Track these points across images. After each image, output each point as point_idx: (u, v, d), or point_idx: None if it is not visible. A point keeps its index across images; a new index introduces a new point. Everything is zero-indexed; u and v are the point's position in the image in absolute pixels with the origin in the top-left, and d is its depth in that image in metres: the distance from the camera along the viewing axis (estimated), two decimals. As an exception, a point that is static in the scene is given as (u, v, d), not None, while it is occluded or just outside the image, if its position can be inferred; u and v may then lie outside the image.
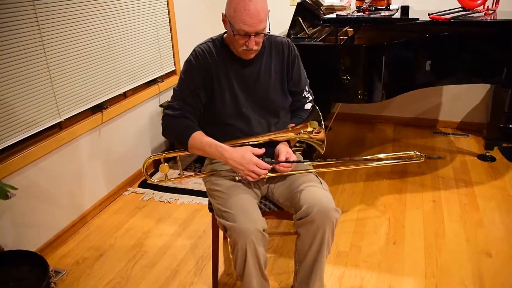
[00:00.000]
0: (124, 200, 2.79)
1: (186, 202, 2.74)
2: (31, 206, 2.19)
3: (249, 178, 1.53)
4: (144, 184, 2.96)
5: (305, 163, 1.73)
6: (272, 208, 1.74)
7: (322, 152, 1.63)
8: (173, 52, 3.31)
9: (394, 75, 2.27)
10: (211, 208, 1.74)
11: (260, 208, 1.73)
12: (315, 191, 1.54)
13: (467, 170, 2.97)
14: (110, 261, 2.24)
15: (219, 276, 2.06)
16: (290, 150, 1.63)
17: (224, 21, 1.55)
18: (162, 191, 2.86)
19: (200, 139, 1.56)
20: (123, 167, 2.88)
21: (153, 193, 2.85)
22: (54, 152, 2.31)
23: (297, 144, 1.69)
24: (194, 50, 1.63)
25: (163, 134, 1.64)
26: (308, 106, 1.80)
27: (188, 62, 1.63)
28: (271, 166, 1.56)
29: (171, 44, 3.28)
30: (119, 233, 2.47)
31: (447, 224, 2.38)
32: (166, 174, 1.68)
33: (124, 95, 2.86)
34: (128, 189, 2.91)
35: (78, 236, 2.46)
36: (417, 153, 1.78)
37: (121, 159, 2.85)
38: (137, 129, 2.99)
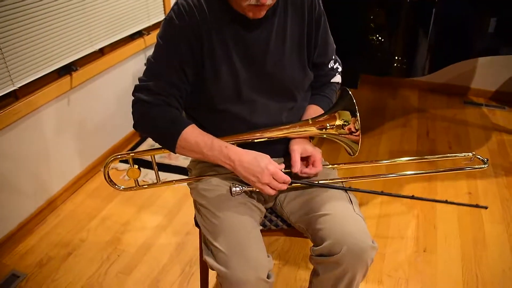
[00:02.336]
0: (101, 179, 2.36)
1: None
2: (-22, 197, 1.77)
3: (263, 191, 1.10)
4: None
5: (329, 169, 1.28)
6: (281, 225, 1.31)
7: (353, 155, 1.18)
8: (162, -2, 2.76)
9: (445, 39, 1.74)
10: (197, 223, 1.30)
11: (264, 225, 1.30)
12: (344, 218, 1.10)
13: (505, 152, 2.51)
14: (80, 262, 1.84)
15: (210, 290, 1.68)
16: (309, 147, 1.18)
17: None
18: (148, 168, 2.43)
19: (195, 138, 1.11)
20: (100, 140, 2.42)
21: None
22: (9, 129, 1.85)
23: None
24: (176, 3, 1.12)
25: (136, 128, 1.17)
26: (336, 79, 1.32)
27: (168, 22, 1.13)
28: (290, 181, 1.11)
29: (159, -12, 2.71)
30: (93, 223, 2.07)
31: (487, 226, 1.97)
32: (137, 180, 1.23)
33: (101, 52, 2.35)
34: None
35: (45, 226, 2.06)
36: (478, 156, 1.33)
37: (98, 130, 2.38)
38: (118, 93, 2.50)
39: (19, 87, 1.85)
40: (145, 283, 1.73)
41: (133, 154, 1.19)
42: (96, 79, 2.31)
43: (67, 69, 2.11)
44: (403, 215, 2.03)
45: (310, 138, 1.25)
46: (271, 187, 1.08)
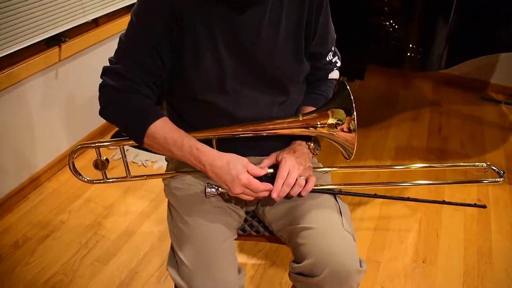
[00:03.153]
0: (90, 157, 2.23)
1: (165, 167, 2.19)
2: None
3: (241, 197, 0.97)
4: (119, 136, 2.40)
5: (321, 169, 1.13)
6: (262, 231, 1.18)
7: (348, 158, 1.03)
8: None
9: (467, 29, 1.54)
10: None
11: (244, 231, 1.17)
12: (329, 234, 0.96)
13: (523, 156, 2.34)
14: (57, 246, 1.75)
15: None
16: (301, 165, 1.00)
17: None
18: (140, 148, 2.31)
19: (165, 134, 0.96)
20: (90, 117, 2.29)
21: (126, 150, 2.30)
22: (-11, 100, 1.74)
23: (310, 143, 1.08)
24: None
25: (102, 116, 1.04)
26: (334, 74, 1.17)
27: None
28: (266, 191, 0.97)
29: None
30: (75, 205, 1.96)
31: (495, 237, 1.81)
32: (104, 172, 1.11)
33: (95, 23, 2.20)
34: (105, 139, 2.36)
35: (26, 204, 1.96)
36: (494, 168, 1.18)
37: (88, 107, 2.25)
38: (113, 67, 2.36)
39: (1, 57, 1.72)
40: (122, 274, 1.63)
41: (99, 144, 1.06)
42: (88, 52, 2.17)
43: (56, 40, 1.97)
44: (404, 219, 1.89)
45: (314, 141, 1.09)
46: (244, 197, 0.95)
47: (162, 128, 0.96)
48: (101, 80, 1.01)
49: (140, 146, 1.00)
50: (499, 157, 2.31)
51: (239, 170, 0.91)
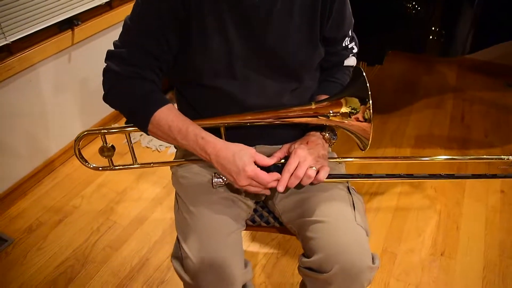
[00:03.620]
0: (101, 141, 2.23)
1: (179, 153, 2.17)
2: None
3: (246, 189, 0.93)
4: (133, 122, 2.38)
5: (334, 160, 1.08)
6: (272, 222, 1.14)
7: (363, 149, 0.97)
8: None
9: (495, 11, 1.44)
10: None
11: (253, 221, 1.13)
12: (340, 228, 0.91)
13: (551, 146, 2.23)
14: (69, 231, 1.75)
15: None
16: (312, 155, 0.95)
17: None
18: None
19: (170, 122, 0.92)
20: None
21: (140, 135, 2.28)
22: (1, 85, 1.73)
23: (325, 133, 1.02)
24: None
25: (106, 101, 1.00)
26: (350, 61, 1.11)
27: None
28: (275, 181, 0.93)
29: None
30: (88, 190, 1.96)
31: (519, 231, 1.74)
32: (111, 159, 1.08)
33: (109, 6, 2.16)
34: (113, 125, 2.35)
35: (40, 189, 1.97)
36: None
37: (101, 90, 2.22)
38: (126, 51, 2.33)
39: (13, 42, 1.71)
40: (133, 260, 1.62)
41: (105, 130, 1.03)
42: (102, 35, 2.14)
43: (69, 23, 1.95)
44: (423, 210, 1.83)
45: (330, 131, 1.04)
46: (251, 189, 0.90)
47: (167, 115, 0.92)
48: (105, 64, 0.97)
49: (144, 132, 0.96)
50: (525, 146, 2.20)
51: (246, 162, 0.87)
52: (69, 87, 2.05)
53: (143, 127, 0.94)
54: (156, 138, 0.96)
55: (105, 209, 1.85)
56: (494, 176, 1.06)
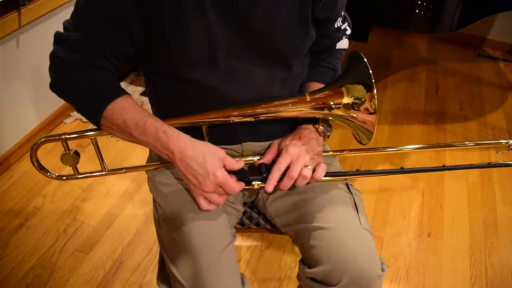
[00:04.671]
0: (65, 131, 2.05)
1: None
2: None
3: (201, 203, 0.82)
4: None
5: (329, 154, 0.98)
6: (263, 224, 1.04)
7: (364, 143, 0.88)
8: None
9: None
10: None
11: (242, 224, 1.04)
12: (346, 235, 0.83)
13: (524, 117, 2.24)
14: (33, 236, 1.59)
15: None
16: (308, 153, 0.85)
17: None
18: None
19: (124, 115, 0.78)
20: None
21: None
22: None
23: (318, 126, 0.92)
24: None
25: (52, 89, 0.85)
26: (343, 43, 1.00)
27: None
28: (256, 186, 0.83)
29: None
30: (50, 187, 1.79)
31: (500, 207, 1.73)
32: (76, 168, 0.94)
33: (59, -18, 1.94)
34: (71, 114, 2.16)
35: (-5, 189, 1.79)
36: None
37: (58, 77, 2.03)
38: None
39: None
40: (106, 264, 1.50)
41: (67, 136, 0.89)
42: (53, 15, 1.92)
43: (14, 3, 1.72)
44: (406, 190, 1.79)
45: (325, 124, 0.93)
46: (214, 201, 0.81)
47: (122, 108, 0.78)
48: (53, 48, 0.82)
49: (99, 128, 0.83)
50: (499, 118, 2.20)
51: (216, 165, 0.76)
52: (20, 75, 1.84)
53: (96, 122, 0.81)
54: (113, 135, 0.83)
55: (71, 208, 1.70)
56: (498, 165, 1.00)
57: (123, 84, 2.37)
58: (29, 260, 1.51)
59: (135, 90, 2.33)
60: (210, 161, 0.76)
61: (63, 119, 2.14)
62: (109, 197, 1.75)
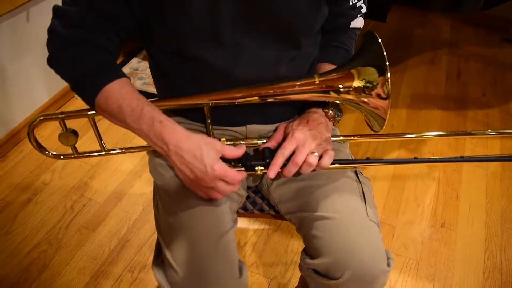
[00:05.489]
0: (74, 107, 2.02)
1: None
2: None
3: (201, 195, 0.79)
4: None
5: (338, 142, 0.93)
6: (267, 210, 1.00)
7: (376, 130, 0.83)
8: None
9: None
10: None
11: (245, 209, 1.00)
12: (351, 227, 0.78)
13: (550, 105, 2.13)
14: (40, 211, 1.59)
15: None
16: (315, 138, 0.80)
17: None
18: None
19: (119, 100, 0.74)
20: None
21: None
22: None
23: (328, 110, 0.86)
24: None
25: (50, 66, 0.81)
26: (358, 23, 0.93)
27: None
28: (259, 171, 0.79)
29: None
30: (59, 163, 1.79)
31: (521, 198, 1.66)
32: (74, 146, 0.91)
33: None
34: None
35: (6, 163, 1.79)
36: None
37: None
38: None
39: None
40: (111, 242, 1.49)
41: (64, 115, 0.85)
42: (64, -12, 1.88)
43: (24, -26, 1.69)
44: (421, 178, 1.72)
45: (335, 108, 0.88)
46: (216, 192, 0.76)
47: (118, 93, 0.73)
48: (51, 23, 0.78)
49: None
50: (524, 106, 2.10)
51: (213, 158, 0.71)
52: (30, 49, 1.82)
53: (90, 105, 0.77)
54: (106, 118, 0.79)
55: (79, 185, 1.70)
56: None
57: (135, 61, 2.34)
58: (35, 236, 1.51)
59: (146, 67, 2.29)
60: (207, 154, 0.71)
61: (74, 94, 2.12)
62: (118, 174, 1.74)
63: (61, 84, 2.04)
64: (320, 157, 0.78)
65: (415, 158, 0.86)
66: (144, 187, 1.69)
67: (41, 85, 1.93)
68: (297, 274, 1.39)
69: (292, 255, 1.46)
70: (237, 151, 0.75)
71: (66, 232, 1.52)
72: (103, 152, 0.90)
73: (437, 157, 0.92)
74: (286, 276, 1.40)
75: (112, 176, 1.73)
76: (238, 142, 0.83)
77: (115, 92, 0.73)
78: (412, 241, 1.49)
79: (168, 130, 0.72)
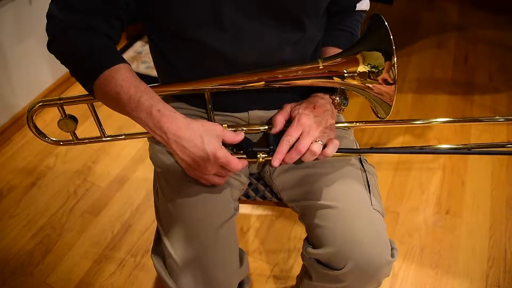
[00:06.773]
0: (79, 91, 2.02)
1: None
2: None
3: (203, 182, 0.78)
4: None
5: (344, 126, 0.91)
6: (269, 197, 0.99)
7: (382, 117, 0.81)
8: None
9: None
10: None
11: (247, 196, 0.99)
12: (355, 216, 0.77)
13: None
14: (44, 195, 1.60)
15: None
16: (320, 125, 0.78)
17: None
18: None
19: (118, 87, 0.72)
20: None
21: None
22: None
23: (335, 97, 0.84)
24: None
25: (49, 50, 0.81)
26: (363, 4, 0.91)
27: None
28: (261, 159, 0.78)
29: None
30: (62, 147, 1.78)
31: (527, 184, 1.64)
32: (74, 132, 0.90)
33: None
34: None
35: (10, 148, 1.78)
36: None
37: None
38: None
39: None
40: (114, 227, 1.49)
41: (62, 101, 0.84)
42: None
43: (25, -45, 1.66)
44: (426, 164, 1.70)
45: (341, 96, 0.86)
46: (216, 179, 0.75)
47: (116, 79, 0.72)
48: (49, 7, 0.76)
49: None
50: (532, 92, 2.06)
51: (215, 145, 0.70)
52: (33, 32, 1.80)
53: (89, 91, 0.76)
54: (104, 103, 0.77)
55: (82, 169, 1.69)
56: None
57: (138, 44, 2.31)
58: (39, 220, 1.51)
59: (150, 51, 2.27)
60: (208, 141, 0.70)
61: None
62: (121, 159, 1.73)
63: (65, 68, 2.01)
64: (324, 146, 0.77)
65: (420, 148, 0.84)
66: (147, 172, 1.68)
67: (44, 69, 1.92)
68: (300, 261, 1.38)
69: (295, 241, 1.46)
70: (237, 136, 0.74)
71: (69, 217, 1.53)
72: (103, 138, 0.89)
73: (443, 147, 0.89)
74: (289, 262, 1.39)
75: (115, 160, 1.73)
76: (240, 129, 0.82)
77: (113, 78, 0.72)
78: (416, 228, 1.49)
79: (167, 119, 0.70)
